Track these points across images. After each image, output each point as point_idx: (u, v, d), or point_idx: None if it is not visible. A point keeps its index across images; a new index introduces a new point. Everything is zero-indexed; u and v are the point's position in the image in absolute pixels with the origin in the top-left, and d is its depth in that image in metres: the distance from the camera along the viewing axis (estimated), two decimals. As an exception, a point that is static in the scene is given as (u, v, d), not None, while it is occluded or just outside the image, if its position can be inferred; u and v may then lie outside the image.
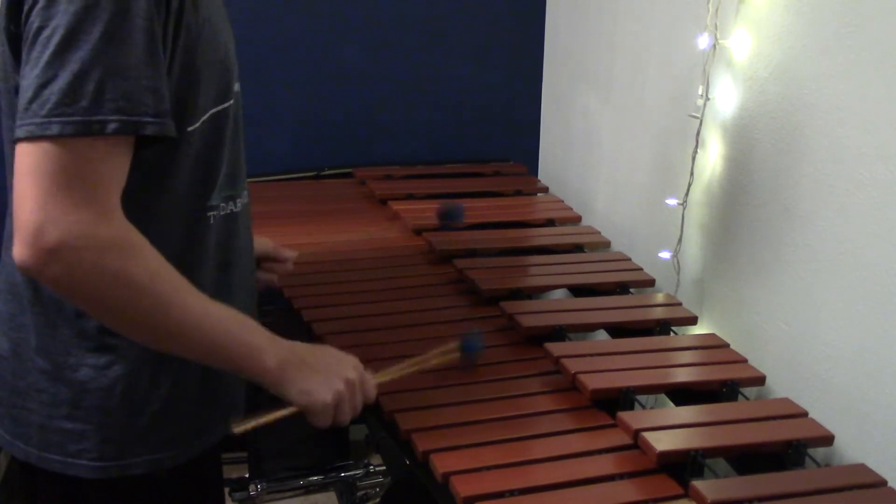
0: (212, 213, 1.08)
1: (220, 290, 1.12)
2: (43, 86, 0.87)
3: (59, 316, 1.03)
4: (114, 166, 0.91)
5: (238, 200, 1.14)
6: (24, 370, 1.07)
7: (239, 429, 1.10)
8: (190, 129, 1.01)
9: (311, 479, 2.42)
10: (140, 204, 0.99)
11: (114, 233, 0.91)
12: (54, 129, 0.86)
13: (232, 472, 2.39)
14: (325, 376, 1.08)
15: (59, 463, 1.06)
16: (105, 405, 1.05)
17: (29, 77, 0.88)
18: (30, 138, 0.87)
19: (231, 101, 1.07)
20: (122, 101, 0.88)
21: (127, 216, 0.94)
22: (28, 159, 0.87)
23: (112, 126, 0.88)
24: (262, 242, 1.38)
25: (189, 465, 1.12)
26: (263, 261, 1.39)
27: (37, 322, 1.04)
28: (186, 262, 1.03)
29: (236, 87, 1.10)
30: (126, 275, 0.91)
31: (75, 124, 0.87)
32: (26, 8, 0.90)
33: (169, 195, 1.03)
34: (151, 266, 0.94)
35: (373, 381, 1.16)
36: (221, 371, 1.10)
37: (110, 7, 0.87)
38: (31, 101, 0.87)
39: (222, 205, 1.11)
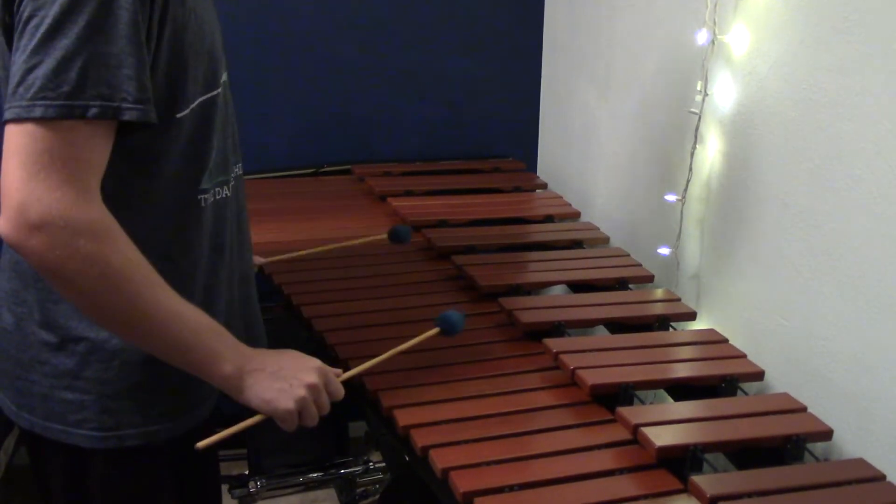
0: (203, 197, 1.12)
1: (214, 273, 1.17)
2: (29, 71, 0.91)
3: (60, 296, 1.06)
4: (94, 150, 0.95)
5: (230, 185, 1.18)
6: (27, 343, 1.11)
7: (203, 444, 1.10)
8: (179, 115, 1.05)
9: (310, 475, 2.42)
10: (134, 188, 1.04)
11: (91, 216, 0.94)
12: (37, 112, 0.91)
13: (231, 469, 2.38)
14: (287, 383, 1.09)
15: (61, 432, 1.11)
16: (104, 377, 1.09)
17: (17, 63, 0.92)
18: (16, 120, 0.92)
19: (219, 90, 1.11)
20: (103, 87, 0.93)
21: (121, 200, 0.99)
22: (15, 140, 0.92)
23: (93, 111, 0.92)
24: None
25: (185, 437, 1.15)
26: None
27: (39, 297, 1.08)
28: (181, 245, 1.10)
29: (224, 76, 1.14)
30: (99, 259, 0.94)
31: (58, 107, 0.91)
32: None
33: (161, 179, 1.07)
34: (125, 254, 0.97)
35: (337, 381, 1.17)
36: None
37: None
38: (18, 85, 0.92)
39: (216, 189, 1.15)
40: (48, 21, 0.91)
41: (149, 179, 1.06)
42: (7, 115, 0.93)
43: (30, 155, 0.91)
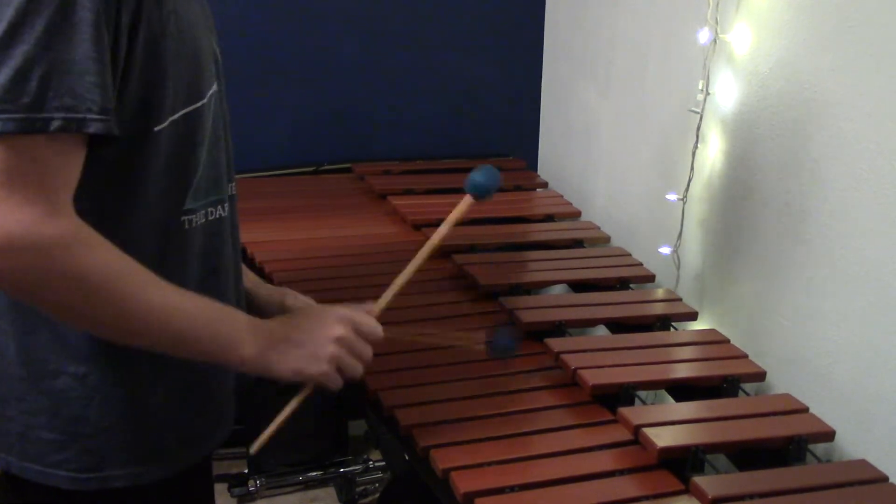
0: (188, 218, 1.02)
1: (210, 297, 1.06)
2: (9, 79, 0.83)
3: (38, 322, 0.99)
4: (61, 164, 0.87)
5: (225, 204, 1.09)
6: (3, 377, 1.03)
7: (256, 447, 1.08)
8: (157, 128, 0.95)
9: (310, 474, 2.42)
10: (108, 208, 0.96)
11: (61, 231, 0.87)
12: (36, 125, 0.84)
13: (231, 468, 2.38)
14: (312, 346, 1.04)
15: (39, 473, 1.02)
16: (84, 415, 1.01)
17: None
18: None
19: (205, 101, 1.01)
20: (66, 97, 0.85)
21: (96, 221, 0.91)
22: None
23: (56, 123, 0.85)
24: (304, 301, 1.27)
25: (175, 479, 1.07)
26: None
27: (15, 328, 1.00)
28: (164, 270, 0.98)
29: (214, 86, 1.03)
30: (76, 272, 0.88)
31: (16, 121, 0.84)
32: None
33: (139, 199, 0.98)
34: (104, 260, 0.91)
35: (370, 318, 1.10)
36: (208, 378, 1.07)
37: (55, 0, 0.84)
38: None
39: (210, 209, 1.06)
40: (3, 26, 0.83)
41: (125, 198, 0.97)
42: None
43: (2, 170, 0.84)
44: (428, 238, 1.21)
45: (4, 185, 0.84)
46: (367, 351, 1.08)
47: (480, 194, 1.22)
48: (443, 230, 1.20)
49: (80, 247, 0.89)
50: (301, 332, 1.05)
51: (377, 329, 1.10)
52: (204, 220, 1.05)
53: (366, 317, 1.10)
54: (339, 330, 1.06)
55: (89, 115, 0.86)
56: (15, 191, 0.85)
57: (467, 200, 1.20)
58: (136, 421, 1.03)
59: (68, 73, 0.85)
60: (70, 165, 0.88)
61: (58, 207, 0.87)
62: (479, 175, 1.21)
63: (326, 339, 1.05)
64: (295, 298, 1.25)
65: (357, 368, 1.07)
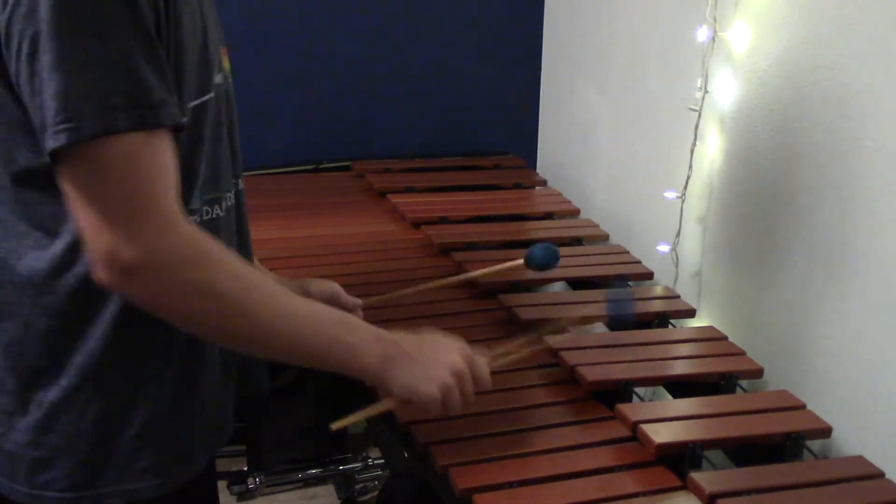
0: (192, 219, 0.98)
1: None
2: (64, 89, 0.80)
3: (27, 334, 0.96)
4: (165, 164, 0.86)
5: (223, 203, 1.05)
6: None
7: (337, 425, 1.08)
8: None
9: (309, 472, 2.42)
10: None
11: (184, 242, 0.86)
12: (93, 129, 0.80)
13: (230, 465, 2.39)
14: (431, 368, 1.03)
15: (27, 495, 0.98)
16: (75, 430, 0.97)
17: (47, 88, 0.80)
18: (69, 146, 0.81)
19: (212, 94, 0.99)
20: (160, 90, 0.84)
21: None
22: (73, 174, 0.83)
23: (155, 119, 0.83)
24: (326, 285, 1.30)
25: (174, 496, 1.03)
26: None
27: (3, 342, 0.97)
28: None
29: (217, 78, 1.01)
30: (207, 285, 0.88)
31: (122, 120, 0.81)
32: (5, 16, 0.82)
33: None
34: (233, 272, 0.90)
35: (484, 365, 1.09)
36: (205, 389, 1.05)
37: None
38: (57, 111, 0.80)
39: (206, 208, 1.02)
40: (60, 41, 0.79)
41: None
42: (51, 143, 0.81)
43: (96, 187, 0.82)
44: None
45: (118, 197, 0.83)
46: (472, 394, 1.07)
47: (536, 266, 1.31)
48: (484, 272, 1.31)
49: (207, 257, 0.89)
50: (423, 353, 1.04)
51: (488, 379, 1.09)
52: (199, 221, 1.00)
53: (482, 360, 1.10)
54: (459, 363, 1.05)
55: (168, 110, 0.85)
56: (130, 202, 0.83)
57: (517, 263, 1.29)
58: (132, 435, 0.99)
59: (154, 63, 0.83)
60: (172, 164, 0.87)
61: (173, 214, 0.86)
62: (539, 251, 1.38)
63: (446, 367, 1.04)
64: (318, 284, 1.25)
65: (458, 407, 1.06)
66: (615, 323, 1.48)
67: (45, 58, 0.80)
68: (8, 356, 0.97)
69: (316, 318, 0.98)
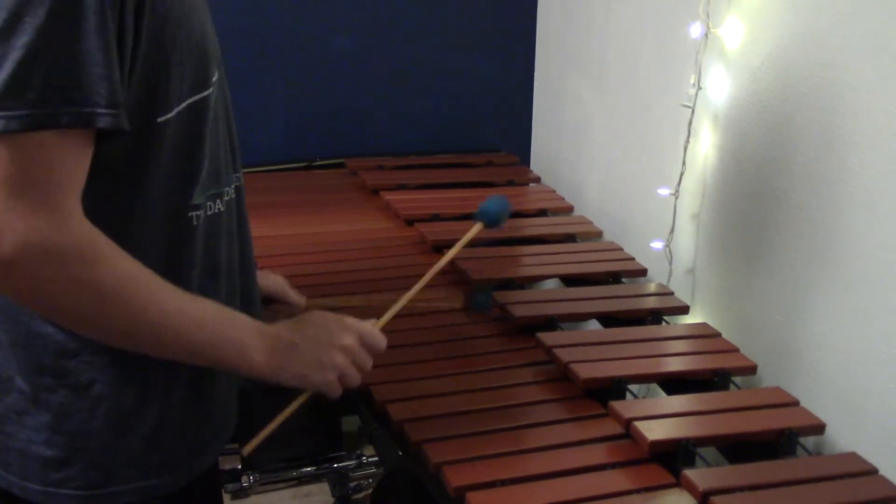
0: (195, 214, 0.99)
1: (207, 297, 1.02)
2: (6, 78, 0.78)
3: (34, 333, 0.95)
4: (70, 164, 0.84)
5: (223, 198, 1.04)
6: (3, 390, 0.99)
7: (248, 450, 1.07)
8: (161, 119, 0.91)
9: (303, 470, 2.42)
10: (114, 206, 0.92)
11: (74, 238, 0.84)
12: (0, 125, 0.79)
13: (224, 464, 2.38)
14: (319, 353, 1.03)
15: (40, 493, 0.98)
16: (87, 428, 0.96)
17: None
18: None
19: (211, 90, 0.97)
20: (73, 90, 0.81)
21: (101, 220, 0.88)
22: None
23: (64, 119, 0.81)
24: (273, 280, 1.29)
25: (184, 490, 1.03)
26: (271, 301, 1.29)
27: (11, 339, 0.96)
28: (169, 271, 0.95)
29: (217, 74, 0.99)
30: (92, 282, 0.86)
31: (23, 118, 0.79)
32: None
33: (145, 196, 0.94)
34: (119, 270, 0.88)
35: (376, 331, 1.09)
36: (215, 383, 1.05)
37: None
38: None
39: (209, 203, 1.01)
40: (3, 16, 0.78)
41: (131, 195, 0.93)
42: None
43: None
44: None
45: (14, 188, 0.81)
46: (369, 362, 1.07)
47: (489, 222, 1.28)
48: (451, 253, 1.21)
49: (95, 254, 0.86)
50: (307, 340, 1.03)
51: (382, 341, 1.09)
52: (203, 216, 1.01)
53: (371, 328, 1.09)
54: (345, 339, 1.05)
55: (98, 109, 0.82)
56: (25, 194, 0.81)
57: (477, 227, 1.25)
58: (144, 432, 0.99)
59: (74, 64, 0.81)
60: (80, 164, 0.85)
61: (67, 212, 0.84)
62: (490, 203, 1.26)
63: (332, 348, 1.04)
64: (265, 277, 1.24)
65: (357, 379, 1.06)
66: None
67: None
68: (17, 355, 0.96)
69: (206, 316, 0.95)
